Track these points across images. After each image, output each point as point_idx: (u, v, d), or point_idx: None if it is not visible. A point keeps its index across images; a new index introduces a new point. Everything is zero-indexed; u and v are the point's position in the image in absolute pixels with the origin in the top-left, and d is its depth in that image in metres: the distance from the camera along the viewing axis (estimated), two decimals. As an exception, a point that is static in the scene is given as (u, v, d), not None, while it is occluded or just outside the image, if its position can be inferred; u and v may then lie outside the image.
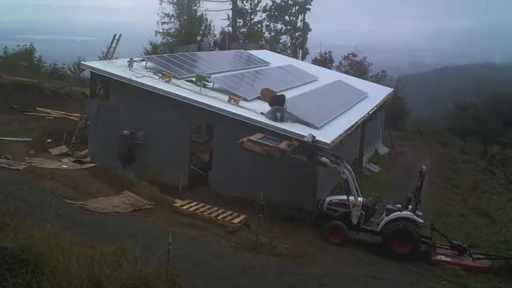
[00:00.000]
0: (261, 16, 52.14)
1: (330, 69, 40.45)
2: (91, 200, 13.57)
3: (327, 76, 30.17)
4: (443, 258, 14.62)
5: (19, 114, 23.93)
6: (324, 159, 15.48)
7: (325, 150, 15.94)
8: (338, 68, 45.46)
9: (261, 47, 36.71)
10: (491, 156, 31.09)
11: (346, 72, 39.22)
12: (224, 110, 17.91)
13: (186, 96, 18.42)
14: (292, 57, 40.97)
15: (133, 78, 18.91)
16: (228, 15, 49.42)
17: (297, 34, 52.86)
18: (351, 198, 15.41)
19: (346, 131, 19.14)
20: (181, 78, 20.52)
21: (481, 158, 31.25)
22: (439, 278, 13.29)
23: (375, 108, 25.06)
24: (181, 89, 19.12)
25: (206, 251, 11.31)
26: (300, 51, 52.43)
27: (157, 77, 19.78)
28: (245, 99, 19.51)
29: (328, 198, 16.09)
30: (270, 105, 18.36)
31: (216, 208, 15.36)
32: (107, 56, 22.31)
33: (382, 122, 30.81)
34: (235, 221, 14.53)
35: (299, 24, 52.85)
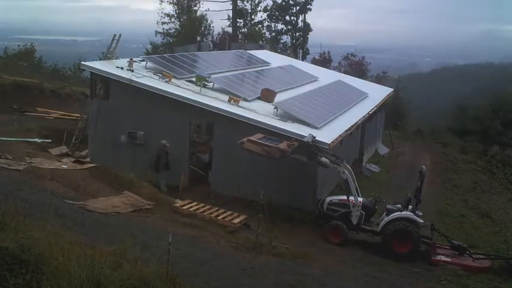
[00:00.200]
0: (261, 16, 52.19)
1: (329, 69, 40.44)
2: (91, 200, 13.56)
3: (327, 76, 30.18)
4: (443, 258, 14.63)
5: (19, 115, 23.95)
6: (324, 159, 15.49)
7: (325, 151, 15.95)
8: (337, 68, 45.46)
9: (261, 47, 36.71)
10: (491, 156, 31.08)
11: (346, 72, 39.22)
12: (224, 110, 17.91)
13: (186, 96, 18.42)
14: (292, 57, 40.94)
15: (133, 78, 18.92)
16: (229, 15, 49.44)
17: (297, 34, 52.84)
18: (351, 198, 15.41)
19: (346, 131, 19.15)
20: (181, 79, 20.53)
21: (481, 158, 31.23)
22: (439, 278, 13.30)
23: (375, 108, 25.06)
24: (182, 89, 19.13)
25: (206, 251, 11.31)
26: (300, 51, 52.41)
27: (157, 77, 19.79)
28: (245, 100, 19.52)
29: (328, 198, 16.10)
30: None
31: (216, 208, 15.36)
32: (107, 56, 22.30)
33: (382, 122, 30.81)
34: (235, 221, 14.53)
35: (299, 24, 52.86)
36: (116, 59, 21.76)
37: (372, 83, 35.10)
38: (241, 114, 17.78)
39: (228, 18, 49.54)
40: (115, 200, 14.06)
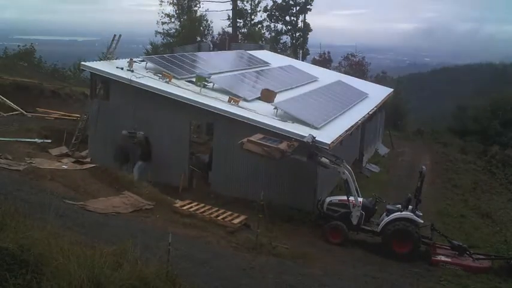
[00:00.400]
0: (261, 16, 52.20)
1: (329, 69, 40.45)
2: (91, 200, 13.56)
3: (327, 76, 30.18)
4: (443, 258, 14.62)
5: (19, 115, 23.94)
6: (324, 159, 15.49)
7: (325, 151, 15.95)
8: (337, 69, 45.47)
9: (261, 47, 36.72)
10: (491, 156, 31.08)
11: (346, 73, 39.23)
12: (224, 110, 17.92)
13: (186, 96, 18.43)
14: (292, 57, 40.94)
15: (133, 78, 18.92)
16: (228, 16, 49.46)
17: (297, 34, 52.84)
18: (351, 198, 15.41)
19: (346, 131, 19.14)
20: (181, 79, 20.53)
21: (481, 158, 31.23)
22: (439, 278, 13.29)
23: (375, 108, 25.06)
24: (181, 89, 19.13)
25: (206, 252, 11.31)
26: (300, 51, 52.41)
27: (157, 78, 19.80)
28: (245, 100, 19.52)
29: (328, 199, 16.10)
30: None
31: (216, 208, 15.35)
32: (107, 56, 22.31)
33: (382, 122, 30.81)
34: (235, 221, 14.52)
35: (299, 24, 52.86)
36: (115, 59, 21.76)
37: (372, 83, 35.10)
38: (241, 114, 17.78)
39: (228, 18, 49.57)
40: (115, 200, 14.06)
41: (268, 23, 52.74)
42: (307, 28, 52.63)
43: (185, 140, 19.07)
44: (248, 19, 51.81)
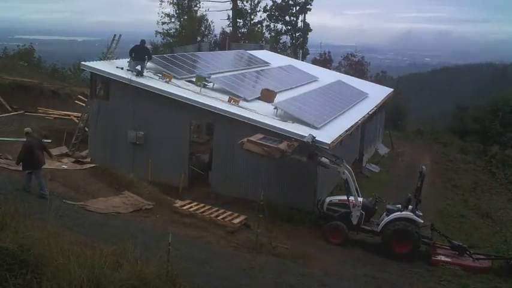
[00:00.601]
0: (261, 16, 52.14)
1: (329, 69, 40.46)
2: (91, 200, 13.57)
3: (327, 76, 30.18)
4: (443, 258, 14.62)
5: (19, 115, 23.94)
6: (323, 159, 15.48)
7: (325, 151, 15.95)
8: (337, 69, 45.48)
9: (261, 47, 36.71)
10: (491, 156, 31.08)
11: (346, 73, 39.24)
12: (224, 110, 17.92)
13: (186, 96, 18.43)
14: (292, 57, 40.94)
15: (133, 78, 18.92)
16: (228, 15, 49.44)
17: (297, 34, 52.83)
18: (351, 198, 15.41)
19: (346, 131, 19.14)
20: (182, 79, 20.53)
21: (481, 158, 31.23)
22: (439, 278, 13.29)
23: (375, 108, 25.06)
24: (182, 89, 19.13)
25: (206, 251, 11.31)
26: (300, 51, 52.39)
27: (157, 77, 19.80)
28: (245, 100, 19.52)
29: (328, 199, 16.09)
30: (134, 59, 19.42)
31: (216, 208, 15.36)
32: (107, 56, 22.31)
33: (382, 122, 30.81)
34: (235, 221, 14.53)
35: (299, 24, 52.85)
36: (115, 59, 21.76)
37: (372, 83, 35.11)
38: (241, 114, 17.78)
39: (228, 18, 49.55)
40: (115, 200, 14.07)
41: (268, 23, 52.76)
42: (307, 28, 52.60)
43: (185, 140, 19.07)
44: (248, 19, 51.80)
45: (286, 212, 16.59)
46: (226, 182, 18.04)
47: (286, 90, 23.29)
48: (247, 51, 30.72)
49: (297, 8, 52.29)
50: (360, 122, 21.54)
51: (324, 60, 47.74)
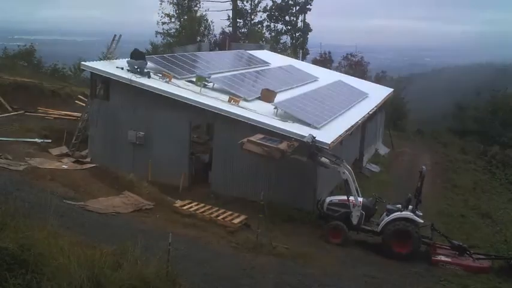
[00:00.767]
0: (261, 16, 52.16)
1: (329, 69, 40.45)
2: (91, 200, 13.57)
3: (327, 76, 30.18)
4: (443, 258, 14.62)
5: (19, 115, 23.94)
6: (324, 159, 15.48)
7: (325, 151, 15.95)
8: (337, 69, 45.47)
9: (261, 47, 36.70)
10: (491, 156, 31.09)
11: (346, 73, 39.24)
12: (224, 110, 17.92)
13: (186, 96, 18.43)
14: (292, 57, 40.93)
15: (133, 78, 18.93)
16: (228, 16, 49.45)
17: (297, 34, 52.83)
18: (351, 198, 15.40)
19: (346, 131, 19.14)
20: (182, 79, 20.53)
21: (481, 158, 31.24)
22: (439, 278, 13.29)
23: (375, 108, 25.06)
24: (182, 89, 19.13)
25: (206, 251, 11.32)
26: (300, 51, 52.39)
27: (157, 77, 19.80)
28: (245, 100, 19.52)
29: (328, 199, 16.08)
30: (131, 58, 19.75)
31: (216, 208, 15.37)
32: (107, 56, 22.31)
33: (382, 122, 30.81)
34: (236, 221, 14.53)
35: (299, 24, 52.85)
36: (116, 59, 21.76)
37: (372, 83, 35.11)
38: (241, 114, 17.78)
39: (228, 18, 49.56)
40: (115, 200, 14.07)
41: (268, 23, 52.76)
42: (307, 28, 52.61)
43: (185, 140, 19.07)
44: (248, 19, 51.81)
45: (286, 212, 16.57)
46: (226, 182, 18.04)
47: (286, 90, 23.28)
48: (247, 51, 30.71)
49: (297, 8, 52.31)
50: (360, 122, 21.54)
51: (324, 60, 47.72)
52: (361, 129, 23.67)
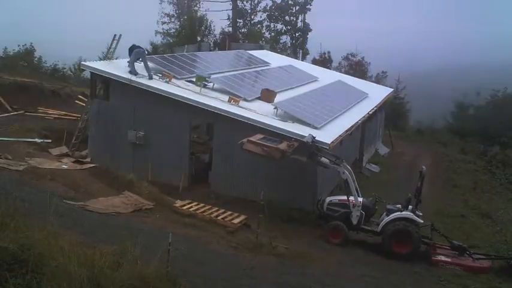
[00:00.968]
0: (261, 16, 52.15)
1: (329, 69, 40.44)
2: (91, 200, 13.56)
3: (327, 76, 30.17)
4: (443, 258, 14.62)
5: (19, 115, 23.94)
6: (323, 159, 15.49)
7: (325, 151, 15.95)
8: (337, 69, 45.46)
9: (261, 47, 36.70)
10: (491, 156, 31.09)
11: (346, 73, 39.23)
12: (224, 110, 17.92)
13: (186, 96, 18.42)
14: (292, 57, 40.93)
15: (133, 78, 18.92)
16: (228, 16, 49.43)
17: (297, 34, 52.83)
18: (351, 198, 15.41)
19: (346, 131, 19.15)
20: (182, 79, 20.52)
21: (481, 158, 31.24)
22: (439, 278, 13.29)
23: (375, 108, 25.06)
24: (182, 89, 19.13)
25: (206, 251, 11.32)
26: (300, 51, 52.39)
27: (157, 77, 19.79)
28: (245, 100, 19.52)
29: (328, 199, 16.09)
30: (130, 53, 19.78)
31: (216, 208, 15.37)
32: (107, 56, 22.30)
33: (382, 122, 30.81)
34: (236, 221, 14.53)
35: (299, 24, 52.85)
36: (116, 59, 21.76)
37: (372, 83, 35.12)
38: (241, 114, 17.78)
39: (228, 18, 49.54)
40: (115, 200, 14.06)
41: (268, 23, 52.75)
42: (306, 28, 52.60)
43: (185, 140, 19.07)
44: (248, 19, 51.81)
45: (286, 212, 16.58)
46: (226, 182, 18.04)
47: (286, 90, 23.28)
48: (247, 51, 30.71)
49: (297, 8, 52.31)
50: (360, 122, 21.55)
51: (324, 60, 47.68)
52: (361, 129, 23.67)
